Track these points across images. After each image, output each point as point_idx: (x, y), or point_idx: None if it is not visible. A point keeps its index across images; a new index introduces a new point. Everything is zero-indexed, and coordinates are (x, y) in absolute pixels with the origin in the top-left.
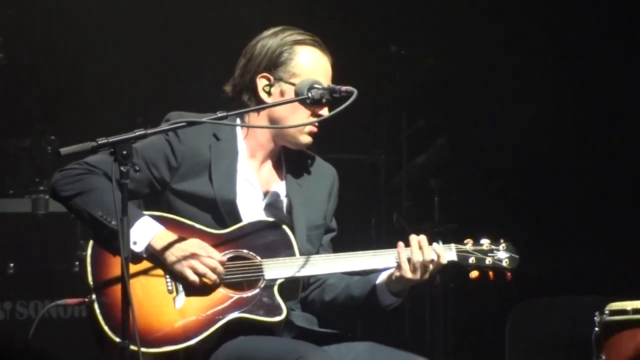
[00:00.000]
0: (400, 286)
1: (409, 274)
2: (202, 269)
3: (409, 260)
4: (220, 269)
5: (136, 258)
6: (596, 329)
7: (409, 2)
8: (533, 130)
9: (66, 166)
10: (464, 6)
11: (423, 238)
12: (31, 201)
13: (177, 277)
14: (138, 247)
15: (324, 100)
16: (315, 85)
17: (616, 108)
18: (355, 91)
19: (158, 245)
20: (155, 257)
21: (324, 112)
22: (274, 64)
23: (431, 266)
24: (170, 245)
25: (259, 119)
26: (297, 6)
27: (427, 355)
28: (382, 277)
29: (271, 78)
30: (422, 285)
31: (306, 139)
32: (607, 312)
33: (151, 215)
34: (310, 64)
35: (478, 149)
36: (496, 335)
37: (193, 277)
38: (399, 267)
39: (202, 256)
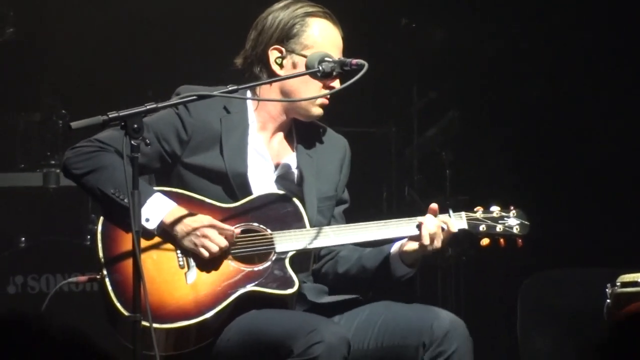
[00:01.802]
0: (414, 256)
1: (426, 241)
2: (213, 247)
3: (424, 227)
4: (228, 246)
5: (148, 234)
6: (608, 300)
7: None
8: (545, 102)
9: (77, 144)
10: None
11: (435, 206)
12: (42, 175)
13: (189, 252)
14: (151, 224)
15: (334, 73)
16: (326, 58)
17: (633, 77)
18: (366, 64)
19: (170, 222)
20: (167, 233)
21: (336, 84)
22: (286, 36)
23: (443, 234)
24: (182, 221)
25: (270, 91)
26: None
27: None
28: (394, 248)
29: (283, 50)
30: (433, 256)
31: (317, 111)
32: (618, 283)
33: (162, 191)
34: (322, 36)
35: (489, 122)
36: (508, 307)
37: (205, 255)
38: (414, 235)
39: (214, 233)
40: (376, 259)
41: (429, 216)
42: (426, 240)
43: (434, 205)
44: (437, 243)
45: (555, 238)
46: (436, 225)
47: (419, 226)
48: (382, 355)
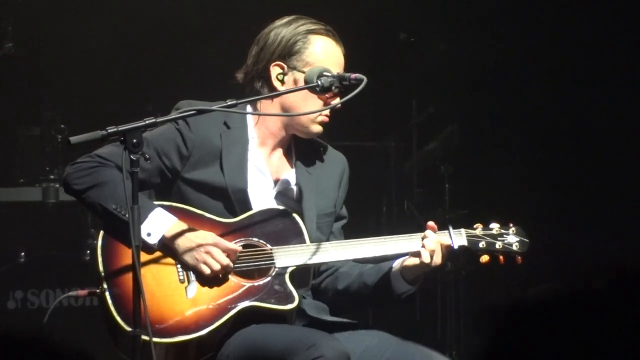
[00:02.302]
0: (414, 273)
1: (426, 258)
2: (215, 265)
3: (424, 245)
4: (231, 265)
5: (149, 249)
6: None
7: None
8: (545, 115)
9: (78, 159)
10: None
11: (433, 225)
12: (41, 190)
13: (189, 267)
14: (152, 238)
15: (333, 88)
16: (325, 73)
17: (629, 89)
18: (365, 78)
19: (172, 236)
20: (169, 248)
21: (335, 101)
22: (288, 53)
23: (442, 251)
24: (184, 237)
25: (270, 107)
26: None
27: (438, 341)
28: (396, 265)
29: (285, 67)
30: (433, 272)
31: (317, 128)
32: None
33: (162, 206)
34: (324, 54)
35: (488, 135)
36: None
37: (207, 272)
38: (415, 252)
39: (216, 251)
40: (377, 275)
41: (428, 232)
42: (426, 258)
43: (431, 223)
44: (437, 259)
45: (556, 252)
46: (435, 241)
47: (424, 245)
48: None
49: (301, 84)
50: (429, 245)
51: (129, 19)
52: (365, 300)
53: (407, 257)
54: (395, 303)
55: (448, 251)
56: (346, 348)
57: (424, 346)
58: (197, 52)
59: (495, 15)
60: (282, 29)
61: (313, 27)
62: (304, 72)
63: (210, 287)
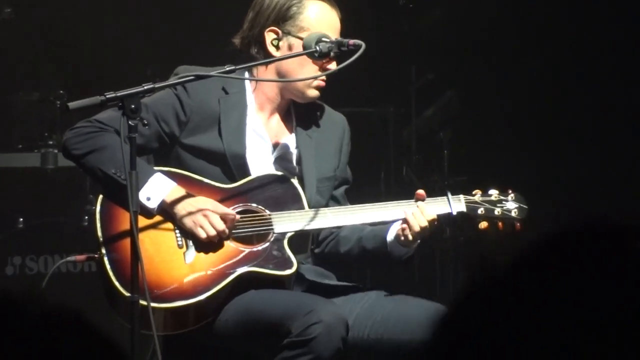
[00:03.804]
0: (409, 240)
1: (416, 228)
2: (211, 230)
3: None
4: (226, 231)
5: (148, 213)
6: None
7: None
8: (545, 82)
9: (77, 124)
10: None
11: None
12: (40, 155)
13: (187, 233)
14: (151, 203)
15: (331, 54)
16: (323, 39)
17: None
18: (363, 44)
19: (172, 201)
20: (168, 213)
21: (332, 66)
22: (282, 18)
23: (431, 216)
24: (184, 201)
25: (267, 72)
26: None
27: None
28: (391, 231)
29: (279, 32)
30: (431, 238)
31: (313, 93)
32: None
33: (161, 171)
34: (319, 18)
35: (487, 102)
36: None
37: (202, 236)
38: (406, 222)
39: (213, 216)
40: (375, 240)
41: (414, 211)
42: (414, 228)
43: (420, 192)
44: (419, 228)
45: (554, 220)
46: (415, 213)
47: (405, 221)
48: (382, 346)
49: (296, 49)
50: (410, 217)
51: None
52: (367, 263)
53: (401, 223)
54: (396, 265)
55: (435, 220)
56: (344, 313)
57: (418, 298)
58: (196, 16)
59: None
60: None
61: None
62: (298, 37)
63: (209, 252)
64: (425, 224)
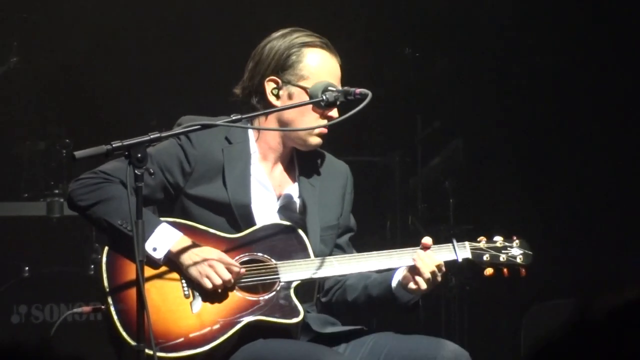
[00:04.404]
0: (417, 287)
1: (423, 286)
2: (217, 280)
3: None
4: (232, 281)
5: (154, 264)
6: None
7: (422, 5)
8: (549, 130)
9: (82, 175)
10: (478, 7)
11: (429, 241)
12: (46, 204)
13: (194, 283)
14: (158, 253)
15: (338, 103)
16: (330, 88)
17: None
18: (370, 93)
19: (178, 251)
20: (173, 263)
21: (334, 113)
22: (281, 67)
23: (439, 275)
24: (190, 251)
25: (268, 122)
26: (310, 8)
27: None
28: (396, 277)
29: (279, 81)
30: (437, 287)
31: (316, 140)
32: None
33: (166, 222)
34: (319, 67)
35: (492, 151)
36: (512, 337)
37: (209, 286)
38: (414, 269)
39: (219, 266)
40: (380, 287)
41: (421, 256)
42: (423, 285)
43: (426, 241)
44: (433, 281)
45: (559, 267)
46: (430, 265)
47: (412, 268)
48: None
49: (296, 98)
50: (423, 270)
51: (134, 35)
52: (374, 310)
53: (406, 272)
54: (402, 311)
55: (442, 267)
56: None
57: (422, 335)
58: (200, 67)
59: (499, 30)
60: (276, 43)
61: (307, 39)
62: (298, 86)
63: (215, 302)
64: (433, 268)
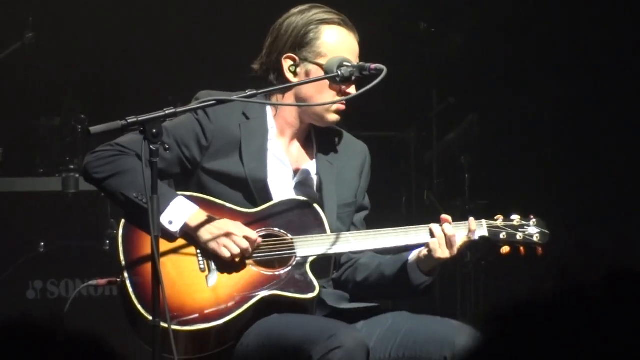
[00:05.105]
0: (431, 264)
1: (438, 252)
2: (235, 249)
3: (437, 237)
4: (250, 250)
5: (170, 237)
6: None
7: None
8: (565, 105)
9: (97, 148)
10: None
11: (449, 218)
12: (61, 180)
13: (210, 256)
14: (174, 226)
15: (353, 78)
16: (345, 63)
17: None
18: (385, 69)
19: (193, 224)
20: (189, 236)
21: (352, 90)
22: (299, 44)
23: (459, 242)
24: (205, 224)
25: (285, 98)
26: None
27: None
28: (412, 256)
29: (297, 58)
30: (453, 262)
31: (333, 117)
32: None
33: (183, 195)
34: (337, 44)
35: (508, 125)
36: None
37: (226, 255)
38: (427, 244)
39: (236, 236)
40: (394, 266)
41: (435, 226)
42: (436, 249)
43: (445, 216)
44: (454, 251)
45: (576, 243)
46: (440, 235)
47: (431, 234)
48: None
49: (313, 75)
50: (439, 236)
51: (151, 10)
52: (384, 291)
53: (424, 248)
54: (413, 294)
55: (464, 242)
56: (365, 337)
57: (437, 316)
58: (217, 42)
59: (515, 3)
60: (294, 19)
61: (325, 16)
62: (316, 64)
63: (231, 276)
64: (451, 247)
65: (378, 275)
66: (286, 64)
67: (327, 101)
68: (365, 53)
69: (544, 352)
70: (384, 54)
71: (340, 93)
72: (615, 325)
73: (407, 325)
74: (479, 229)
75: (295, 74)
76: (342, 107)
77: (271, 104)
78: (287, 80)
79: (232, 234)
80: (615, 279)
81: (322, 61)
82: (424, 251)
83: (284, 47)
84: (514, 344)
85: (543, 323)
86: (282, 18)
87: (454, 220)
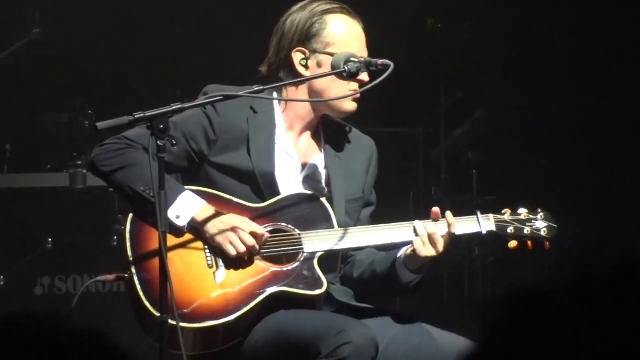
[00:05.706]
0: (417, 262)
1: (422, 251)
2: (241, 247)
3: (420, 235)
4: (257, 247)
5: (178, 232)
6: None
7: None
8: (573, 101)
9: (105, 141)
10: None
11: (437, 211)
12: (69, 176)
13: (217, 251)
14: (181, 221)
15: (360, 73)
16: (352, 59)
17: None
18: (392, 64)
19: (200, 219)
20: (197, 231)
21: (364, 77)
22: (306, 37)
23: (441, 239)
24: (212, 219)
25: (297, 92)
26: None
27: (465, 329)
28: (401, 254)
29: (306, 51)
30: (461, 258)
31: (351, 106)
32: None
33: (190, 189)
34: (343, 32)
35: (516, 121)
36: None
37: (232, 253)
38: (412, 243)
39: (243, 231)
40: (385, 264)
41: (417, 222)
42: (420, 247)
43: (435, 209)
44: (434, 249)
45: (584, 238)
46: (426, 231)
47: (414, 232)
48: None
49: (325, 65)
50: (420, 233)
51: (157, 6)
52: (377, 288)
53: (410, 245)
54: (404, 292)
55: (449, 239)
56: (375, 334)
57: (451, 333)
58: (224, 37)
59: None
60: (298, 14)
61: (327, 7)
62: (326, 53)
63: (239, 272)
64: (434, 245)
65: (371, 273)
66: (296, 58)
67: (342, 91)
68: (372, 49)
69: (552, 343)
70: (390, 49)
71: (355, 81)
72: (625, 317)
73: (419, 338)
74: (487, 223)
75: (306, 67)
76: (358, 95)
77: (281, 100)
78: (299, 75)
79: (239, 230)
80: (626, 271)
81: (331, 50)
82: (410, 249)
83: (291, 43)
84: (522, 334)
85: (553, 314)
86: (284, 16)
87: (461, 216)
